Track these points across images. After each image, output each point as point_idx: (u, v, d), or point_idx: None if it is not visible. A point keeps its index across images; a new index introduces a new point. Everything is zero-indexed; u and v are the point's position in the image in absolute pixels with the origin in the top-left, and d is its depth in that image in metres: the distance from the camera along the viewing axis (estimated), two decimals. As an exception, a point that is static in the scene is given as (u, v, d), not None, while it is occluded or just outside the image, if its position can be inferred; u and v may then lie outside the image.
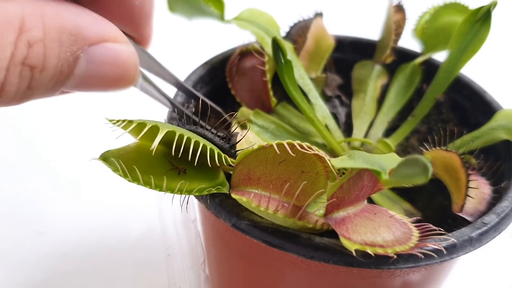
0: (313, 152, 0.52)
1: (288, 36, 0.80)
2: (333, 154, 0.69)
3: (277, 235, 0.52)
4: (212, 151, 0.52)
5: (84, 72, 0.47)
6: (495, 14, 0.66)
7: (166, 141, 0.52)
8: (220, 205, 0.55)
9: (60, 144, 1.11)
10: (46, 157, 1.08)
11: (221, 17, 0.74)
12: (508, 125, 0.67)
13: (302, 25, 0.80)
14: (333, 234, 0.52)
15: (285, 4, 1.19)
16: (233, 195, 0.54)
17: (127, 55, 0.50)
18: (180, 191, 0.52)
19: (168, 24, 1.06)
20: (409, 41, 0.80)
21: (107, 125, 0.52)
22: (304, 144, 0.52)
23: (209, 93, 0.74)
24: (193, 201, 0.73)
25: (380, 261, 0.51)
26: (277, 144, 0.52)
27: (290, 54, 0.73)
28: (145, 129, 0.49)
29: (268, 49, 0.73)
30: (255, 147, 0.53)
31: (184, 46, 1.31)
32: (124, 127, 0.51)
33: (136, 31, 0.54)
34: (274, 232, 0.53)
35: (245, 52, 0.76)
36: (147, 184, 0.51)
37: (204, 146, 0.51)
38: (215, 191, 0.54)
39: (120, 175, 0.51)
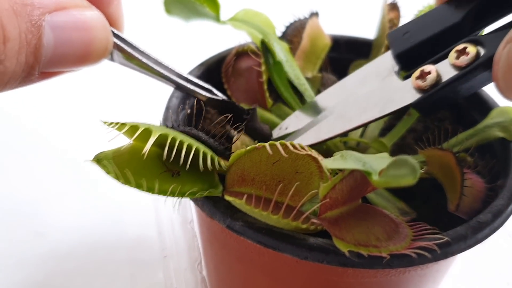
0: (305, 152, 0.52)
1: (283, 36, 0.79)
2: (330, 154, 0.69)
3: (271, 236, 0.52)
4: (204, 154, 0.52)
5: (54, 42, 0.47)
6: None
7: (160, 143, 0.52)
8: (214, 206, 0.55)
9: (59, 144, 1.11)
10: (45, 156, 1.09)
11: (217, 18, 0.74)
12: (503, 123, 0.67)
13: (298, 25, 0.80)
14: (328, 234, 0.52)
15: (280, 4, 1.19)
16: (227, 197, 0.54)
17: (93, 17, 0.50)
18: (173, 194, 0.52)
19: (163, 25, 1.06)
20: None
21: (102, 126, 0.52)
22: (297, 145, 0.52)
23: (205, 94, 0.74)
24: (190, 202, 0.73)
25: (374, 261, 0.51)
26: (269, 145, 0.52)
27: (285, 54, 0.73)
28: (138, 132, 0.50)
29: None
30: (248, 148, 0.53)
31: (180, 47, 1.31)
32: (118, 129, 0.52)
33: (101, 8, 0.53)
34: (268, 233, 0.53)
35: (241, 53, 0.76)
36: (139, 186, 0.51)
37: (197, 149, 0.51)
38: (207, 194, 0.54)
39: (113, 177, 0.51)
